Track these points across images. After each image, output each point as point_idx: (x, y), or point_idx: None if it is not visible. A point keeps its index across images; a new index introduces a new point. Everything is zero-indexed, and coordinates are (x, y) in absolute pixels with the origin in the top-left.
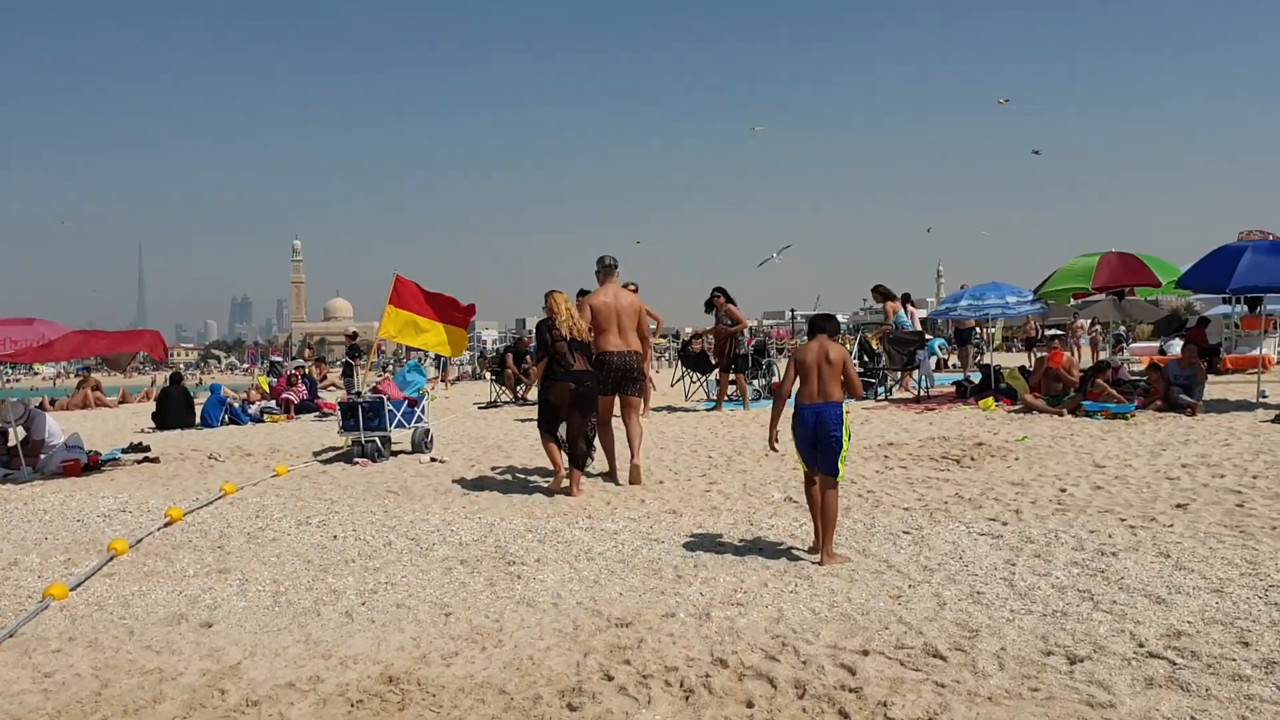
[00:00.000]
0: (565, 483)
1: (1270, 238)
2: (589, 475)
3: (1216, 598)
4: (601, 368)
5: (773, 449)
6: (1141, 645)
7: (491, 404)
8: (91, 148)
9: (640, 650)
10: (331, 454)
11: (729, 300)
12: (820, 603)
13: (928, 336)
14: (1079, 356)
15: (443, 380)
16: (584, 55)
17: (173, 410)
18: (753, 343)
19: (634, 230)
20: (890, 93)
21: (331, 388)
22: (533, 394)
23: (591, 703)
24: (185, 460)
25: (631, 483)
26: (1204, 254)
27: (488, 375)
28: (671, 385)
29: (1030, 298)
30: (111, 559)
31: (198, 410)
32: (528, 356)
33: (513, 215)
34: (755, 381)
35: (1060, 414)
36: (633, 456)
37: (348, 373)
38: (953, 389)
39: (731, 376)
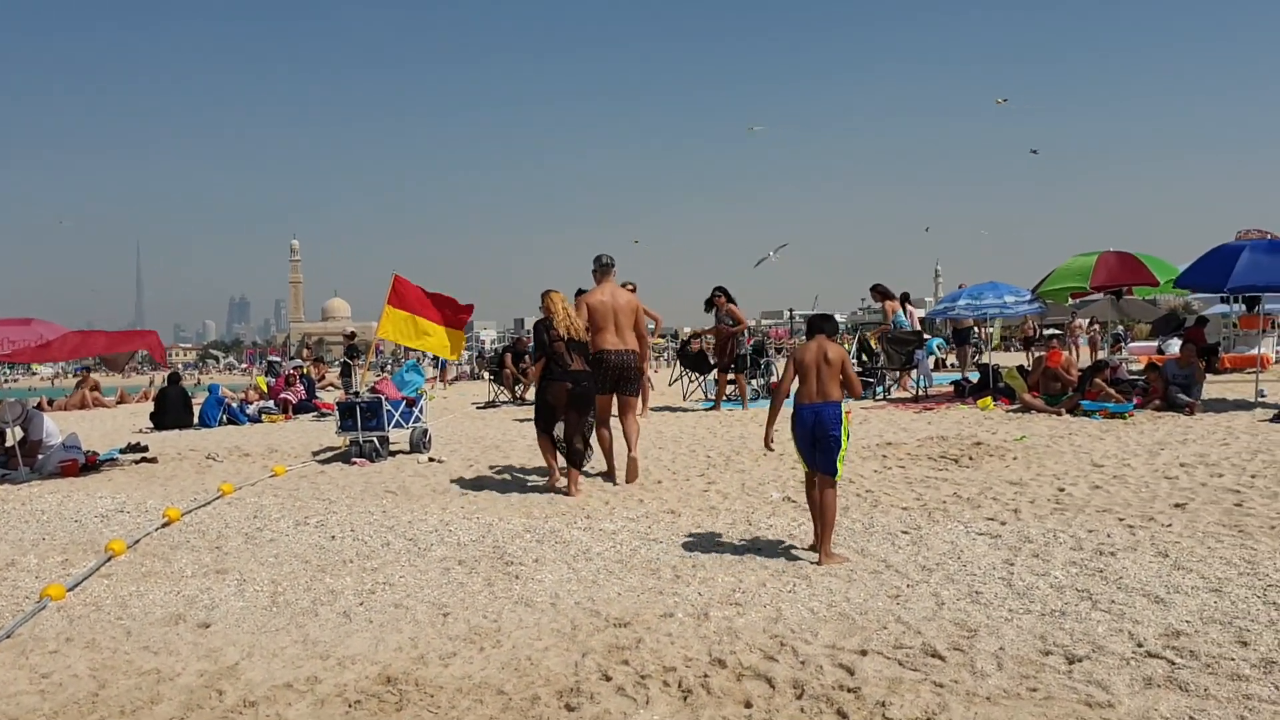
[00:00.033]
0: (560, 482)
1: (1268, 237)
2: (587, 475)
3: (1215, 597)
4: (599, 366)
5: (768, 449)
6: (1140, 645)
7: (490, 404)
8: (89, 147)
9: (638, 650)
10: (329, 454)
11: (730, 300)
12: (818, 602)
13: (926, 336)
14: (1077, 356)
15: (441, 380)
16: (583, 55)
17: (171, 410)
18: (751, 342)
19: (633, 230)
20: (889, 92)
21: (330, 388)
22: (531, 394)
23: (589, 703)
24: (183, 460)
25: (629, 479)
26: (1202, 253)
27: (486, 375)
28: (670, 385)
29: (1028, 297)
30: (109, 559)
31: (196, 410)
32: (526, 356)
33: (511, 215)
34: (754, 381)
35: (1058, 413)
36: (630, 450)
37: (346, 373)
38: (951, 388)
39: (731, 376)
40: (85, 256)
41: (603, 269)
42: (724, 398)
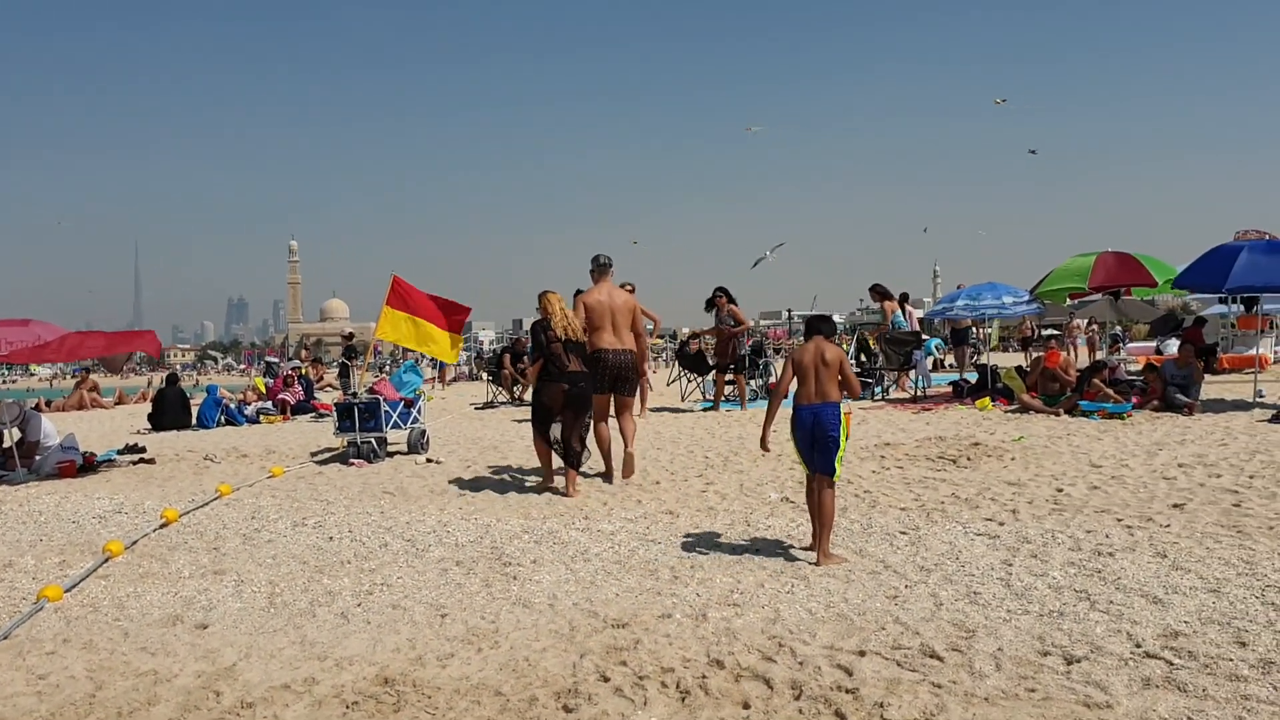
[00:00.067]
0: (554, 481)
1: (1267, 237)
2: (585, 476)
3: (1213, 598)
4: (597, 365)
5: (764, 450)
6: (1138, 645)
7: (488, 404)
8: (88, 148)
9: (636, 651)
10: (327, 455)
11: (731, 300)
12: (817, 603)
13: (924, 337)
14: (1075, 356)
15: (439, 381)
16: (583, 55)
17: (169, 411)
18: (750, 343)
19: (633, 229)
20: (888, 92)
21: (328, 389)
22: (529, 395)
23: (587, 704)
24: (181, 461)
25: (625, 474)
26: (1200, 254)
27: (484, 376)
28: (668, 385)
29: (1026, 298)
30: (107, 560)
31: (194, 411)
32: (525, 357)
33: (511, 215)
34: (752, 382)
35: (1057, 414)
36: (626, 446)
37: (344, 374)
38: (949, 389)
39: (730, 376)
40: (84, 257)
41: (600, 269)
42: (723, 398)
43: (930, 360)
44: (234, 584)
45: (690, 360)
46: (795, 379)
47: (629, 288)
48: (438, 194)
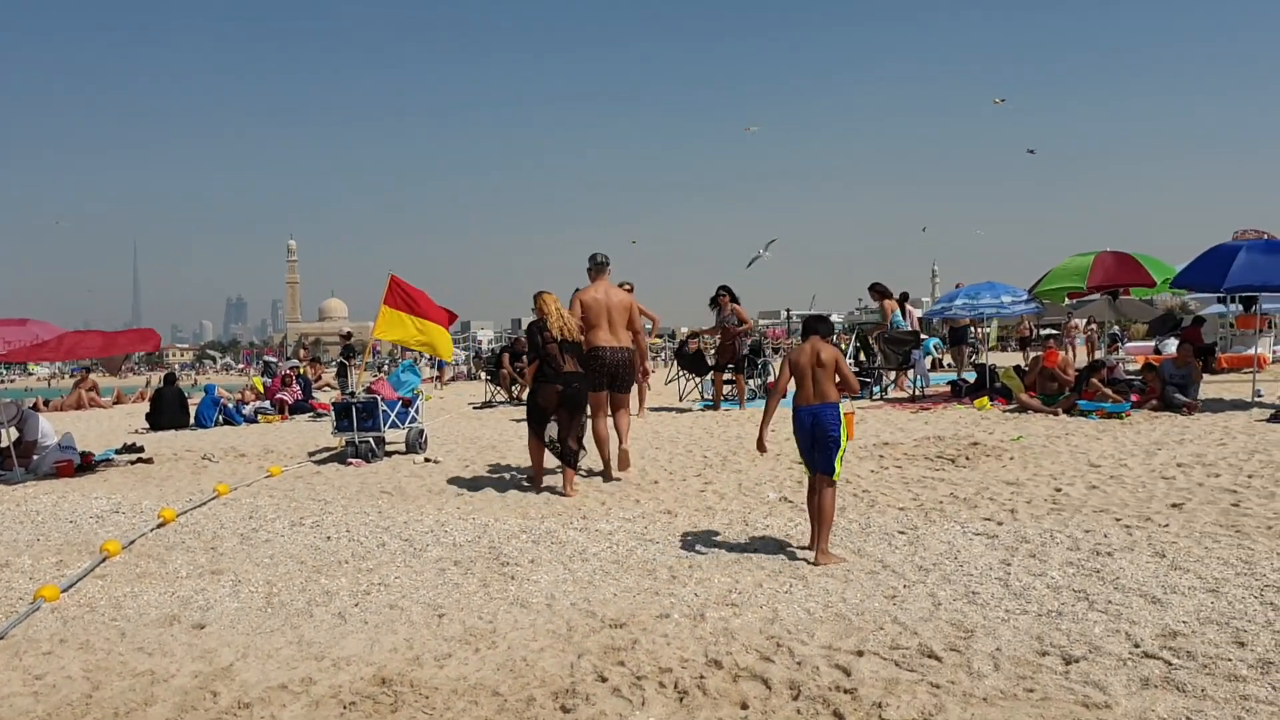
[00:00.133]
0: (544, 482)
1: (1265, 237)
2: (583, 476)
3: (1212, 598)
4: (595, 363)
5: (761, 450)
6: (1137, 645)
7: (486, 404)
8: (87, 147)
9: (634, 651)
10: (325, 454)
11: (734, 299)
12: (815, 603)
13: (923, 336)
14: (1074, 356)
15: (437, 381)
16: (583, 55)
17: (167, 411)
18: (749, 342)
19: (632, 229)
20: (888, 92)
21: (326, 388)
22: (527, 394)
23: (585, 704)
24: (179, 461)
25: (620, 467)
26: (1199, 253)
27: (483, 375)
28: (665, 384)
29: (1025, 297)
30: (104, 560)
31: (192, 411)
32: (524, 357)
33: (510, 215)
34: (751, 381)
35: (1055, 413)
36: (621, 442)
37: (342, 373)
38: (948, 389)
39: (729, 376)
40: (83, 257)
41: (597, 267)
42: (723, 398)
43: (929, 360)
44: (231, 584)
45: (689, 360)
46: (794, 380)
47: (627, 287)
48: (437, 194)
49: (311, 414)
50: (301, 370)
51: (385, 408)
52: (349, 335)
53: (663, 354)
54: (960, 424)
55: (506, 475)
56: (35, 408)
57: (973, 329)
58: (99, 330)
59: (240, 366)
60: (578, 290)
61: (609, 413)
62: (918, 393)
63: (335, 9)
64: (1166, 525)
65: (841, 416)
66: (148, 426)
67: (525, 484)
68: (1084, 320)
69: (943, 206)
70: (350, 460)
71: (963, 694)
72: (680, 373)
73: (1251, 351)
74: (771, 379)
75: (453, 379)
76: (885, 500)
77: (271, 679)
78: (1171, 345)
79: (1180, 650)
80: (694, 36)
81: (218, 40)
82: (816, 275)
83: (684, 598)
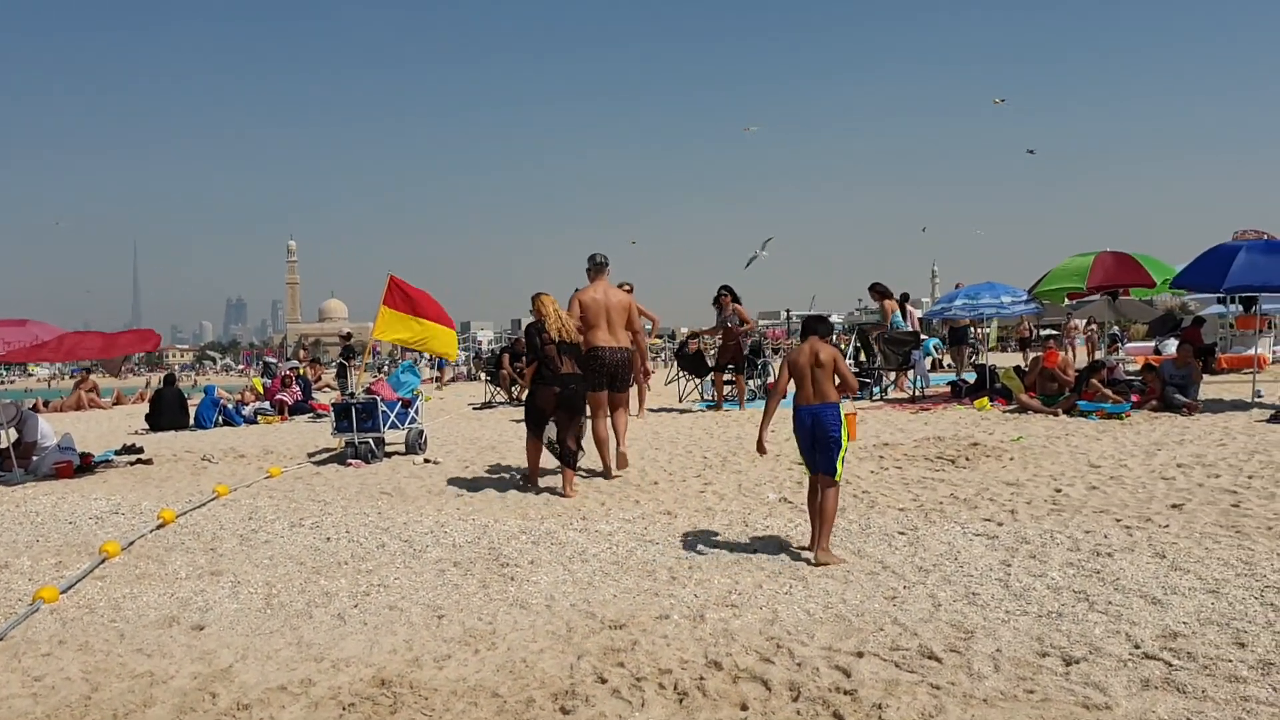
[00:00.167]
0: (549, 482)
1: (1265, 237)
2: (582, 477)
3: (1212, 598)
4: (595, 363)
5: (761, 451)
6: (1137, 646)
7: (486, 405)
8: (87, 147)
9: (634, 652)
10: (325, 455)
11: (736, 299)
12: (815, 604)
13: (923, 337)
14: (1074, 356)
15: (437, 382)
16: (583, 55)
17: (166, 411)
18: (749, 342)
19: (631, 229)
20: (888, 92)
21: (326, 389)
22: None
23: (585, 705)
24: (178, 462)
25: (619, 467)
26: (1199, 254)
27: (483, 376)
28: (665, 385)
29: (1025, 298)
30: (103, 561)
31: (191, 411)
32: (523, 358)
33: (511, 215)
34: (751, 382)
35: (1055, 414)
36: (619, 445)
37: (341, 374)
38: (948, 389)
39: (729, 376)
40: (82, 257)
41: (596, 268)
42: (724, 398)
43: (928, 360)
44: (231, 585)
45: (689, 361)
46: (794, 381)
47: (627, 287)
48: (437, 194)
49: (311, 415)
50: (301, 371)
51: (385, 408)
52: (349, 336)
53: (663, 354)
54: (960, 425)
55: (506, 476)
56: (35, 408)
57: (972, 329)
58: (99, 331)
59: (240, 367)
60: (577, 290)
61: (608, 413)
62: (918, 393)
63: (335, 9)
64: (1167, 526)
65: (842, 417)
66: (147, 427)
67: (523, 484)
68: (1084, 321)
69: (943, 206)
70: (350, 461)
71: (963, 695)
72: (680, 373)
73: (1251, 352)
74: (771, 379)
75: (452, 379)
76: (885, 501)
77: (271, 680)
78: (1171, 346)
79: (1181, 651)
80: (694, 36)
81: (218, 40)
82: (816, 275)
83: (684, 599)
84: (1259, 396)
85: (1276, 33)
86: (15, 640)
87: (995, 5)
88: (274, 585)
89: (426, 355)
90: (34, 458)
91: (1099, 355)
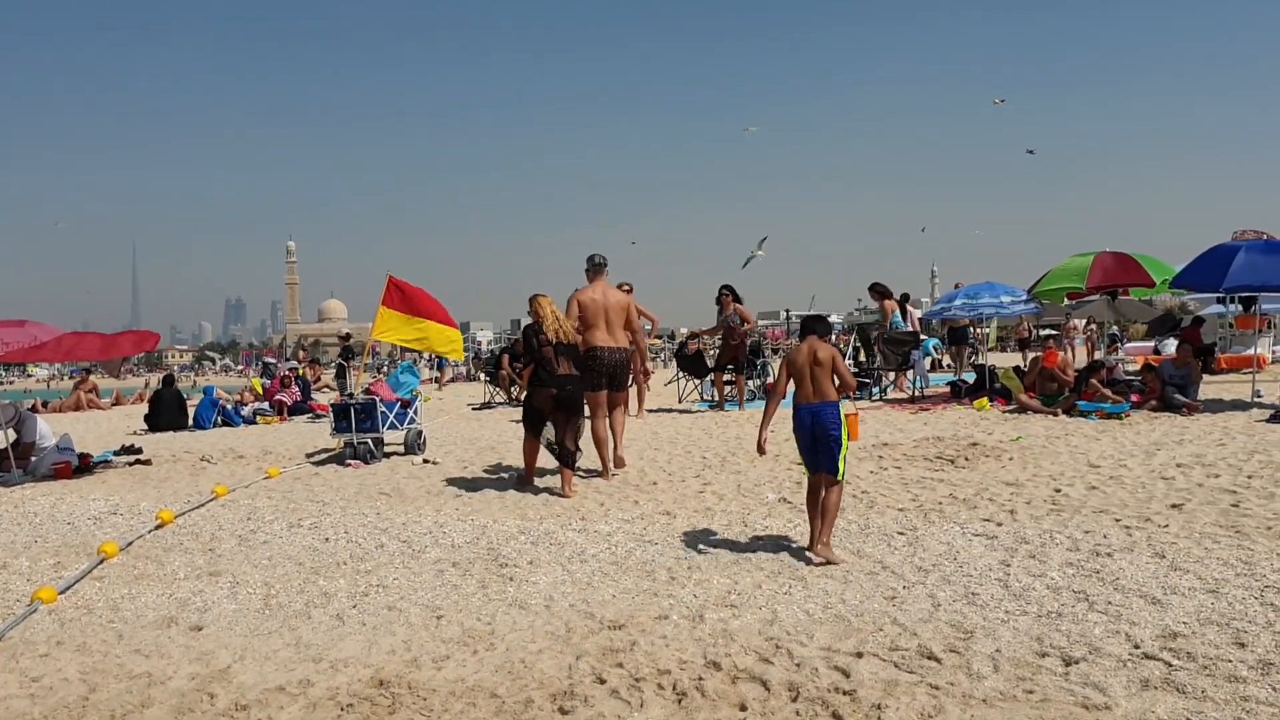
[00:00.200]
0: (548, 482)
1: (1264, 237)
2: (581, 477)
3: (1212, 598)
4: (593, 363)
5: (761, 452)
6: (1137, 646)
7: (485, 405)
8: (86, 148)
9: (633, 653)
10: (324, 456)
11: (737, 299)
12: (814, 604)
13: (922, 337)
14: (1073, 356)
15: (436, 382)
16: (583, 55)
17: (165, 412)
18: (748, 342)
19: (631, 230)
20: (888, 92)
21: (325, 389)
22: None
23: (583, 706)
24: (177, 462)
25: (616, 466)
26: (1198, 253)
27: (482, 376)
28: (665, 385)
29: (1024, 297)
30: (101, 562)
31: (190, 412)
32: (522, 358)
33: (510, 215)
34: (750, 382)
35: (1055, 414)
36: (616, 448)
37: (341, 374)
38: (947, 389)
39: (730, 376)
40: (81, 258)
41: (595, 268)
42: (725, 398)
43: (928, 360)
44: (229, 586)
45: (688, 361)
46: (793, 380)
47: (626, 287)
48: (437, 194)
49: (310, 415)
50: (300, 371)
51: (384, 409)
52: (348, 336)
53: (662, 355)
54: (959, 425)
55: (505, 476)
56: (34, 409)
57: (972, 329)
58: (98, 333)
59: (239, 368)
60: (576, 291)
61: (607, 413)
62: (917, 393)
63: (335, 9)
64: (1166, 526)
65: (842, 415)
66: (146, 428)
67: (520, 484)
68: (1083, 321)
69: (942, 206)
70: (349, 461)
71: (962, 695)
72: (680, 374)
73: (1251, 352)
74: (770, 379)
75: (451, 380)
76: (884, 501)
77: (269, 681)
78: (1171, 345)
79: (1180, 651)
80: (694, 36)
81: (218, 40)
82: (816, 275)
83: (683, 599)
84: (1258, 396)
85: (1276, 33)
86: (13, 641)
87: (995, 5)
88: (272, 586)
89: (426, 355)
90: (32, 458)
91: (1098, 355)
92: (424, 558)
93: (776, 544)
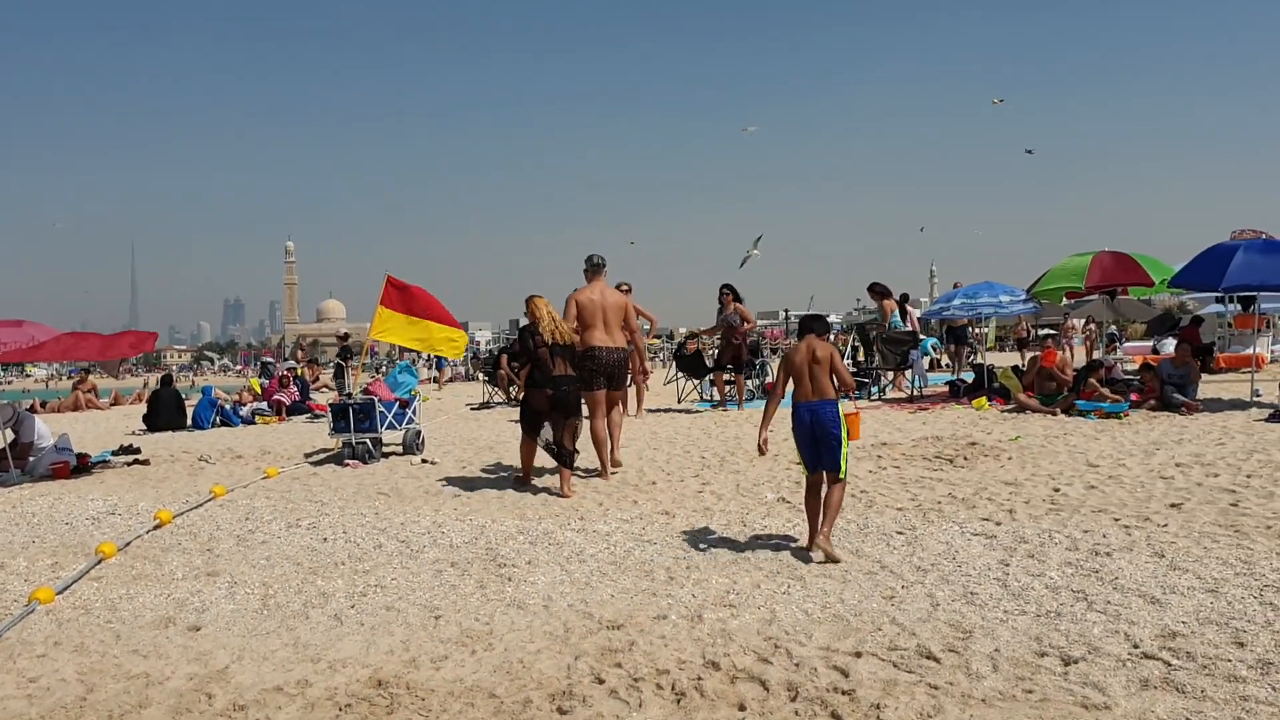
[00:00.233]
0: (547, 482)
1: (1263, 236)
2: (580, 477)
3: (1211, 598)
4: (592, 362)
5: (761, 452)
6: (1136, 646)
7: (484, 405)
8: (85, 148)
9: (631, 653)
10: (322, 456)
11: (737, 299)
12: (813, 604)
13: (921, 336)
14: (1072, 356)
15: (435, 382)
16: (583, 55)
17: (163, 412)
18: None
19: (631, 230)
20: (887, 92)
21: (323, 389)
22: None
23: (582, 706)
24: (175, 462)
25: (612, 464)
26: (1197, 253)
27: (480, 376)
28: (664, 385)
29: (1023, 297)
30: (99, 562)
31: (189, 412)
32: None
33: (510, 215)
34: (749, 381)
35: (1053, 413)
36: (613, 451)
37: (339, 374)
38: (946, 389)
39: (729, 376)
40: (80, 258)
41: (594, 269)
42: (727, 398)
43: (926, 360)
44: (227, 586)
45: (687, 362)
46: (792, 379)
47: (625, 287)
48: (436, 194)
49: (309, 415)
50: (299, 371)
51: (382, 409)
52: (346, 336)
53: (661, 355)
54: (958, 424)
55: (504, 476)
56: (32, 409)
57: (970, 329)
58: (96, 333)
59: (238, 368)
60: (575, 291)
61: (606, 412)
62: (916, 393)
63: (335, 9)
64: (1165, 525)
65: (841, 414)
66: (144, 428)
67: (519, 484)
68: (1082, 320)
69: (942, 206)
70: (347, 461)
71: (961, 695)
72: (679, 374)
73: (1250, 351)
74: (770, 379)
75: (450, 380)
76: (883, 500)
77: (267, 681)
78: (1169, 345)
79: (1180, 651)
80: (694, 36)
81: (217, 40)
82: (815, 275)
83: (681, 599)
84: (1257, 396)
85: (1276, 33)
86: (10, 641)
87: (995, 5)
88: (271, 586)
89: (425, 355)
90: (31, 458)
91: (1097, 355)
92: (422, 558)
93: (775, 544)
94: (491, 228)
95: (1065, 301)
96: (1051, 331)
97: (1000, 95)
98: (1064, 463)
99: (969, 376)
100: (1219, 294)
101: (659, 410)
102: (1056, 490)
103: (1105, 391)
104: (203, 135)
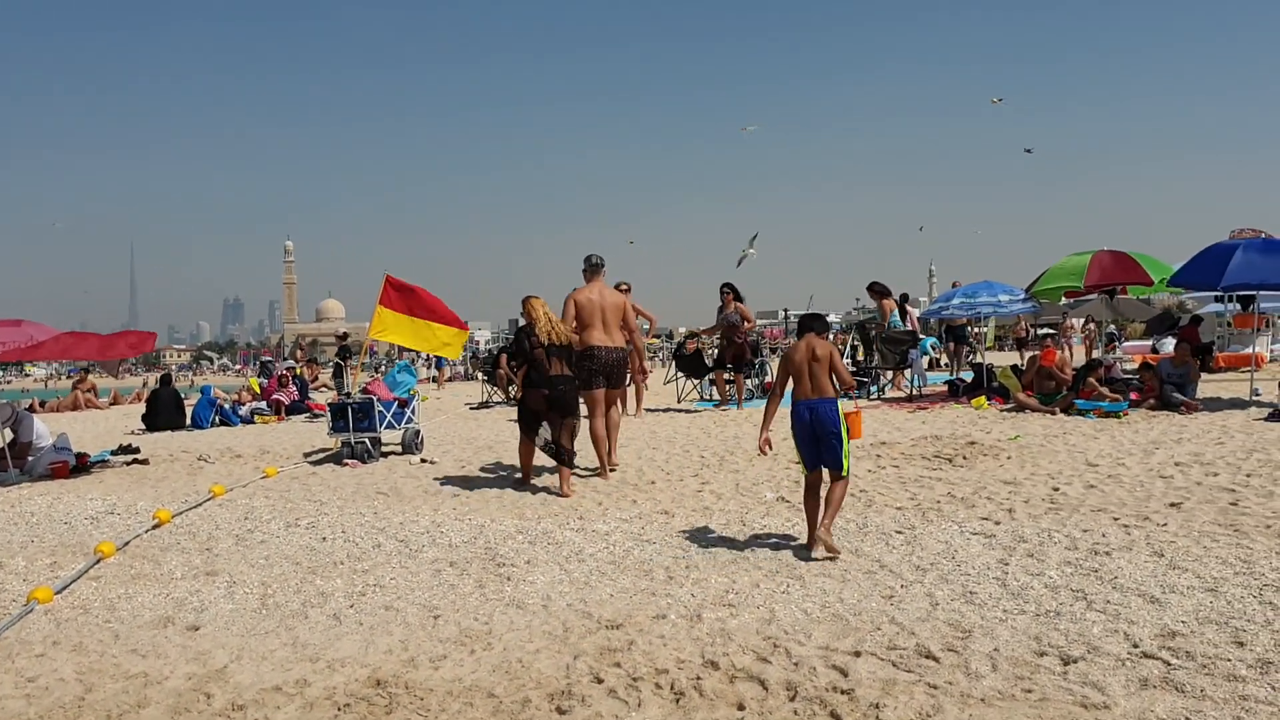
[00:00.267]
0: (546, 482)
1: (1262, 236)
2: (580, 476)
3: (1211, 597)
4: (591, 362)
5: (762, 452)
6: (1136, 645)
7: (483, 404)
8: (85, 148)
9: (630, 652)
10: (321, 455)
11: (738, 298)
12: (812, 603)
13: (920, 336)
14: (1071, 355)
15: (435, 381)
16: (583, 55)
17: (163, 411)
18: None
19: (631, 230)
20: (887, 92)
21: (323, 389)
22: None
23: (581, 706)
24: (174, 462)
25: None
26: (1196, 252)
27: (480, 376)
28: (664, 384)
29: (1022, 296)
30: (98, 562)
31: (188, 411)
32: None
33: (510, 215)
34: (749, 381)
35: (1053, 413)
36: (610, 453)
37: (338, 374)
38: (945, 388)
39: (730, 375)
40: (80, 257)
41: (592, 269)
42: (728, 398)
43: (925, 359)
44: (226, 585)
45: (687, 361)
46: (791, 378)
47: (624, 287)
48: (436, 194)
49: (308, 415)
50: (298, 371)
51: (381, 408)
52: (345, 336)
53: (660, 354)
54: (957, 423)
55: (503, 476)
56: (31, 409)
57: (970, 328)
58: (95, 333)
59: (237, 367)
60: (573, 291)
61: (604, 412)
62: (915, 392)
63: (335, 9)
64: (1165, 524)
65: (840, 413)
66: (144, 427)
67: (518, 484)
68: (1081, 319)
69: (941, 206)
70: (346, 461)
71: (960, 694)
72: (678, 374)
73: (1249, 350)
74: (769, 378)
75: (450, 379)
76: (883, 500)
77: (266, 681)
78: (1169, 344)
79: (1179, 650)
80: (694, 36)
81: (217, 40)
82: (815, 275)
83: (681, 598)
84: (1257, 395)
85: (1276, 33)
86: (9, 641)
87: (995, 5)
88: (269, 585)
89: (424, 355)
90: (29, 458)
91: (1096, 354)
92: (421, 557)
93: (774, 543)
94: (491, 228)
95: (1064, 301)
96: (1050, 331)
97: (1000, 95)
98: (1063, 462)
99: (968, 376)
100: (1218, 293)
101: (658, 410)
102: (1056, 489)
103: (1104, 391)
104: (202, 135)
